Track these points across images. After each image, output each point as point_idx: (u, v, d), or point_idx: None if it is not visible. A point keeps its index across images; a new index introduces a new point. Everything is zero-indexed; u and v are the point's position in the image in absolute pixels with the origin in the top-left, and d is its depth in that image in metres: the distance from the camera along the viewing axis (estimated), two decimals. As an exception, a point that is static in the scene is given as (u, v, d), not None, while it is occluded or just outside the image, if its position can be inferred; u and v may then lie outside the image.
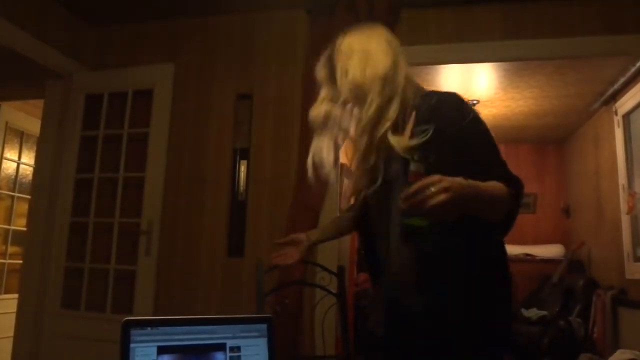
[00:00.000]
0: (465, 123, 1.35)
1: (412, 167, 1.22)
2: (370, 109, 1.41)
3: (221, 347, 1.10)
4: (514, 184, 1.26)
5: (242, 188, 2.96)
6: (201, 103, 3.10)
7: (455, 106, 1.39)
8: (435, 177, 1.09)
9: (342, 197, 4.41)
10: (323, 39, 2.84)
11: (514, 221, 1.28)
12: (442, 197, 1.06)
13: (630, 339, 3.51)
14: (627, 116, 4.05)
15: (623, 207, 3.99)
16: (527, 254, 5.55)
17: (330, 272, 2.38)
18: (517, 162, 6.17)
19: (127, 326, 1.04)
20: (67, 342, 2.92)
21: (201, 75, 3.13)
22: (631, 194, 3.81)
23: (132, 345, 1.03)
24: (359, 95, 1.45)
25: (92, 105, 3.23)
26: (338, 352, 2.48)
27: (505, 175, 1.27)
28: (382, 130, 1.39)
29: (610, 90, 4.08)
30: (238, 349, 1.12)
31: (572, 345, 3.82)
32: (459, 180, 1.11)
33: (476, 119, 1.37)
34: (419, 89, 1.47)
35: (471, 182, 1.15)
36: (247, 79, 3.06)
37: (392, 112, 1.40)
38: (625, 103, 3.99)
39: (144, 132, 3.10)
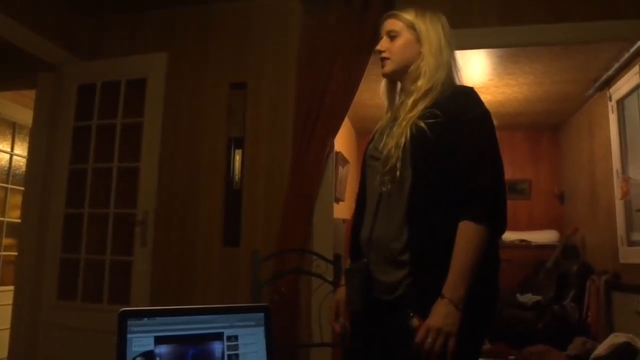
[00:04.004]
0: (465, 118, 1.38)
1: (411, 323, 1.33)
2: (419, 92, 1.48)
3: (218, 337, 1.11)
4: (481, 204, 1.32)
5: (237, 177, 2.95)
6: (195, 92, 3.08)
7: (461, 101, 1.43)
8: (427, 334, 1.25)
9: (337, 184, 4.41)
10: (317, 28, 2.85)
11: (498, 232, 1.36)
12: (442, 345, 1.24)
13: (623, 322, 3.55)
14: (621, 102, 4.05)
15: (617, 192, 4.01)
16: (522, 240, 5.59)
17: (326, 260, 2.39)
18: (512, 149, 6.19)
19: (124, 317, 1.04)
20: (64, 333, 2.92)
21: (195, 64, 3.11)
22: (625, 180, 3.83)
23: (129, 335, 1.03)
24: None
25: (85, 95, 3.20)
26: (335, 340, 2.50)
27: (477, 191, 1.32)
28: (411, 115, 1.45)
29: (605, 76, 4.08)
30: (235, 338, 1.12)
31: (566, 330, 3.86)
32: (441, 317, 1.25)
33: (479, 117, 1.40)
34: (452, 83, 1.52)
35: (448, 296, 1.26)
36: (241, 68, 3.04)
37: (427, 100, 1.45)
38: (620, 89, 3.99)
39: (138, 122, 3.08)
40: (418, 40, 1.53)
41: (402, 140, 1.42)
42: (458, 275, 1.28)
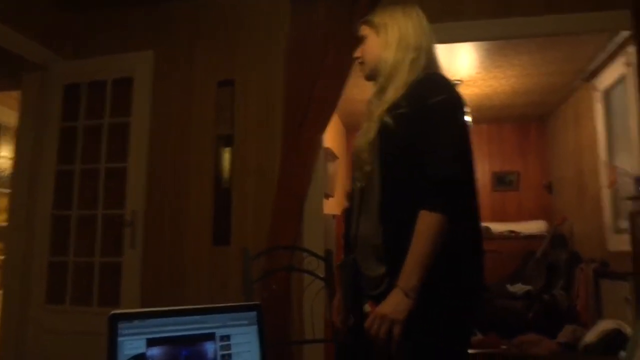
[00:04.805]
0: (426, 106, 1.38)
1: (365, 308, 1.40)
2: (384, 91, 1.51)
3: (211, 337, 1.10)
4: (436, 192, 1.31)
5: (226, 175, 2.94)
6: (183, 90, 3.06)
7: (422, 88, 1.43)
8: (374, 320, 1.29)
9: (327, 180, 4.41)
10: (305, 24, 2.84)
11: (456, 213, 1.32)
12: (386, 331, 1.27)
13: (612, 309, 3.59)
14: (607, 92, 4.09)
15: (604, 181, 4.05)
16: (511, 231, 5.63)
17: (317, 256, 2.39)
18: (500, 141, 6.23)
19: (115, 319, 1.03)
20: (54, 337, 2.89)
21: (182, 61, 3.09)
22: (612, 169, 3.87)
23: (120, 338, 1.02)
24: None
25: (71, 95, 3.17)
26: (327, 336, 2.50)
27: (433, 179, 1.32)
28: (380, 110, 1.46)
29: (591, 67, 4.12)
30: (228, 337, 1.12)
31: (556, 318, 3.90)
32: (390, 305, 1.28)
33: (440, 103, 1.38)
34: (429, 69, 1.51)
35: (400, 284, 1.28)
36: (228, 65, 3.02)
37: (391, 93, 1.46)
38: (605, 79, 4.02)
39: (125, 121, 3.05)
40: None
41: (371, 136, 1.44)
42: (411, 264, 1.29)
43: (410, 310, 1.27)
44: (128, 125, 3.04)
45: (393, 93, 1.45)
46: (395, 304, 1.27)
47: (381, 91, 1.50)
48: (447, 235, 1.30)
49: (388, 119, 1.41)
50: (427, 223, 1.29)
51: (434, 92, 1.39)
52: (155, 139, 3.02)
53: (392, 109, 1.42)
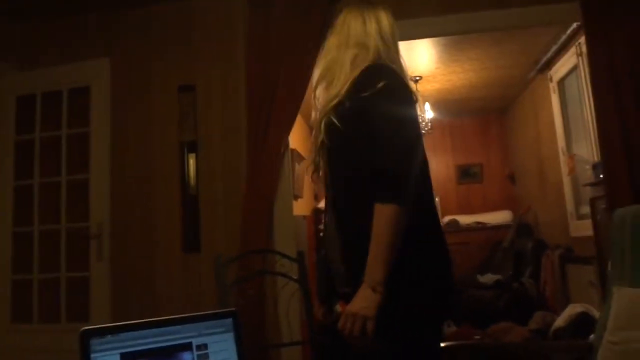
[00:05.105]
0: (363, 97, 1.37)
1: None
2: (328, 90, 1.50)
3: (187, 347, 1.08)
4: (384, 184, 1.29)
5: (192, 182, 2.89)
6: (142, 97, 2.99)
7: (366, 78, 1.42)
8: (346, 319, 1.28)
9: (295, 181, 4.39)
10: (263, 22, 2.82)
11: (409, 201, 1.29)
12: (359, 329, 1.25)
13: (578, 293, 3.71)
14: (561, 82, 4.22)
15: (564, 169, 4.18)
16: (478, 222, 5.75)
17: (290, 258, 2.38)
18: (462, 135, 6.35)
19: (86, 336, 0.99)
20: (22, 356, 2.79)
21: (140, 68, 3.01)
22: (571, 157, 4.00)
23: (93, 355, 0.99)
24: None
25: (25, 107, 3.06)
26: (305, 337, 2.49)
27: (378, 171, 1.30)
28: (329, 106, 1.45)
29: (545, 59, 4.24)
30: (205, 346, 1.10)
31: (526, 305, 3.99)
32: (358, 302, 1.26)
33: (380, 91, 1.36)
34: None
35: (366, 279, 1.27)
36: (188, 70, 2.96)
37: (334, 90, 1.45)
38: (559, 70, 4.15)
39: (85, 131, 2.96)
40: None
41: (320, 137, 1.45)
42: (373, 258, 1.28)
43: (380, 305, 1.26)
44: (88, 136, 2.96)
45: (336, 90, 1.45)
46: (363, 300, 1.27)
47: (327, 89, 1.50)
48: (407, 227, 1.29)
49: (332, 118, 1.41)
50: (383, 216, 1.28)
51: (372, 83, 1.37)
52: (116, 148, 2.94)
53: (335, 107, 1.42)
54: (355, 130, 1.38)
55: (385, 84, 1.36)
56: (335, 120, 1.40)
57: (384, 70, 1.43)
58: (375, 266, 1.28)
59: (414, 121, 1.41)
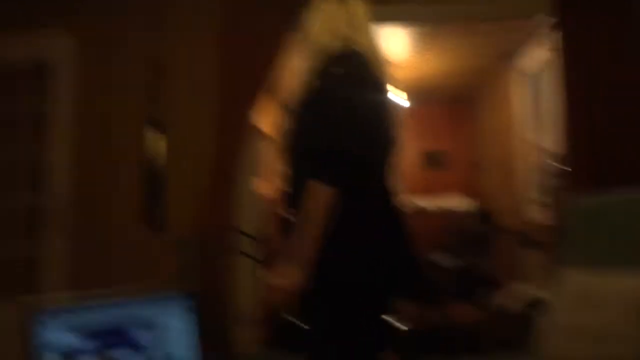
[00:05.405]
0: (326, 81, 1.42)
1: None
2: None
3: (146, 325, 1.08)
4: (312, 162, 1.32)
5: (159, 160, 2.84)
6: (108, 73, 2.89)
7: (329, 64, 1.44)
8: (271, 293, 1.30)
9: (262, 162, 4.37)
10: (236, 5, 2.76)
11: (338, 180, 1.30)
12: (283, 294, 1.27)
13: (531, 276, 3.87)
14: (531, 74, 4.31)
15: (528, 159, 4.30)
16: (440, 207, 5.88)
17: (251, 237, 2.39)
18: (431, 122, 6.42)
19: (35, 315, 0.98)
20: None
21: (105, 43, 2.91)
22: (535, 147, 4.11)
23: (46, 335, 0.98)
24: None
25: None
26: (265, 315, 2.52)
27: (309, 151, 1.35)
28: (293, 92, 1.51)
29: (517, 51, 4.32)
30: (164, 325, 1.10)
31: (482, 287, 4.14)
32: (284, 275, 1.27)
33: (338, 77, 1.40)
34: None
35: (296, 251, 1.28)
36: (156, 46, 2.88)
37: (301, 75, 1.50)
38: (530, 63, 4.24)
39: (44, 110, 2.86)
40: None
41: (284, 119, 1.51)
42: (299, 234, 1.29)
43: (304, 281, 1.27)
44: (48, 114, 2.86)
45: (302, 77, 1.50)
46: (289, 275, 1.28)
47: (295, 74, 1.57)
48: (350, 208, 1.30)
49: (292, 101, 1.48)
50: (311, 193, 1.29)
51: (333, 69, 1.41)
52: (79, 127, 2.86)
53: (299, 91, 1.48)
54: (306, 113, 1.42)
55: (344, 70, 1.40)
56: (294, 105, 1.46)
57: (347, 57, 1.44)
58: (300, 242, 1.29)
59: (367, 107, 1.42)
